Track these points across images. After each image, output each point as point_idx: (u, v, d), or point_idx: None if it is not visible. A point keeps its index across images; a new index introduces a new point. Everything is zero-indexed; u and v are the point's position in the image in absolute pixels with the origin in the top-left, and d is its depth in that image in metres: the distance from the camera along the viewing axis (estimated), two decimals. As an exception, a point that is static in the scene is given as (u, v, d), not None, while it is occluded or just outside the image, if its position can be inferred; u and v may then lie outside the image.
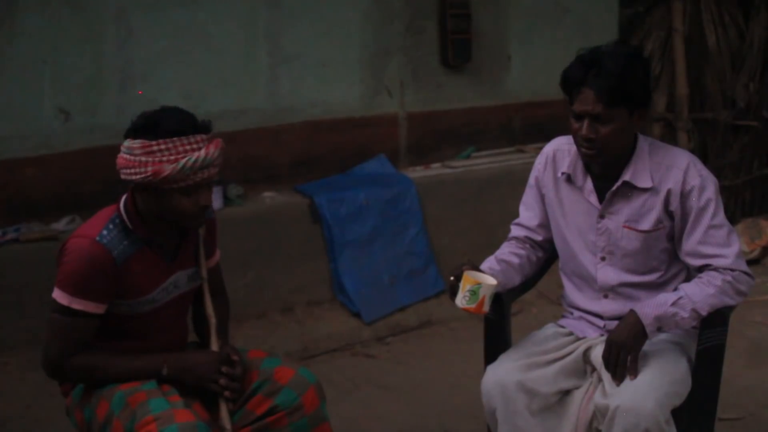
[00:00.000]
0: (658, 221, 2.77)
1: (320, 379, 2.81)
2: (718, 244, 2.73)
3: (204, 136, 2.56)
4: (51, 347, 2.59)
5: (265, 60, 5.14)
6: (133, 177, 2.52)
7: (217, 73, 5.00)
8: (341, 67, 5.38)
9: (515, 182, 5.64)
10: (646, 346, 2.73)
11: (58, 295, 2.54)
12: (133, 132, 2.54)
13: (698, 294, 2.69)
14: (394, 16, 5.50)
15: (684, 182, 2.73)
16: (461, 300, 2.68)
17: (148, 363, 2.63)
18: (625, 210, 2.80)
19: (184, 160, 2.50)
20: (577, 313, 2.97)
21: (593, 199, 2.83)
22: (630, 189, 2.78)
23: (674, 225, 2.78)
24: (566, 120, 2.77)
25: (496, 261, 2.95)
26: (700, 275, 2.74)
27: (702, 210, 2.72)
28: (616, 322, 2.79)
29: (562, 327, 2.98)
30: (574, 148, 2.82)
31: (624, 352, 2.66)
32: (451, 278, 2.74)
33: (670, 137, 6.29)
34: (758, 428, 3.86)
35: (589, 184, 2.84)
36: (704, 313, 2.68)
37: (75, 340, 2.57)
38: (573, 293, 2.98)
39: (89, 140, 4.63)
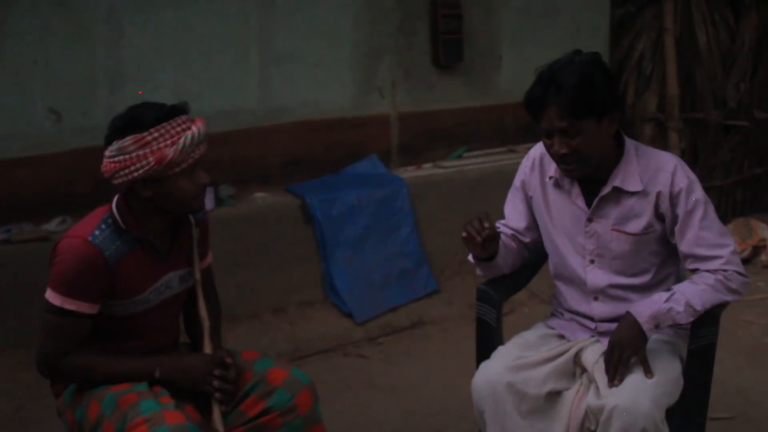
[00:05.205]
0: (648, 225, 2.78)
1: (312, 379, 2.80)
2: (710, 245, 2.74)
3: (187, 116, 2.57)
4: (45, 347, 2.59)
5: (256, 60, 5.14)
6: (133, 175, 2.51)
7: (208, 73, 4.99)
8: (333, 68, 5.38)
9: (507, 182, 5.62)
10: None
11: (51, 296, 2.54)
12: (116, 134, 2.53)
13: (690, 290, 2.71)
14: (385, 16, 5.50)
15: (672, 184, 2.74)
16: None
17: (142, 365, 2.62)
18: (613, 213, 2.80)
19: (182, 140, 2.51)
20: (567, 315, 2.98)
21: (581, 202, 2.85)
22: (619, 192, 2.79)
23: (665, 227, 2.79)
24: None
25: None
26: (692, 277, 2.77)
27: (690, 212, 2.74)
28: (607, 324, 2.82)
29: (552, 328, 2.99)
30: None
31: (626, 352, 2.66)
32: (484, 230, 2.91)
33: (661, 137, 6.30)
34: (749, 427, 3.86)
35: (576, 188, 2.85)
36: (699, 307, 2.69)
37: (68, 340, 2.57)
38: (563, 295, 2.99)
39: (80, 141, 4.61)
